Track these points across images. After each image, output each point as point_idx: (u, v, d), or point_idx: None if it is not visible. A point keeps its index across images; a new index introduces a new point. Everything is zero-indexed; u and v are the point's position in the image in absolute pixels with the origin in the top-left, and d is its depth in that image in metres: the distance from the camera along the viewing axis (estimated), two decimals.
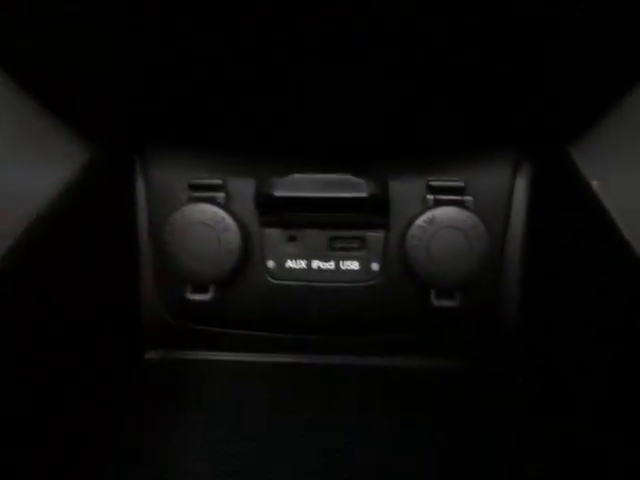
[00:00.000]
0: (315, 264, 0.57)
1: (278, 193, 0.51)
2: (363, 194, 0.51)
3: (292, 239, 0.57)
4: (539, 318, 0.55)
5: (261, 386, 0.56)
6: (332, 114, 0.50)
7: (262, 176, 0.53)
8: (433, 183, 0.55)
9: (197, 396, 0.55)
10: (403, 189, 0.56)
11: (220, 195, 0.56)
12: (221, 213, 0.55)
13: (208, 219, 0.54)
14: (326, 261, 0.57)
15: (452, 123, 0.54)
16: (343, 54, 0.41)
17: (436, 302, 0.54)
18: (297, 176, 0.51)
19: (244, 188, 0.56)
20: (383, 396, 0.55)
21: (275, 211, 0.54)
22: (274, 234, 0.57)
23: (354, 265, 0.57)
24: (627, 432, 0.40)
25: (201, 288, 0.54)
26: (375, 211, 0.54)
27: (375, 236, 0.57)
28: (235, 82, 0.46)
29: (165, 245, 0.55)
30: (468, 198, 0.55)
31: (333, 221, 0.55)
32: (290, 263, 0.57)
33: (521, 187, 0.56)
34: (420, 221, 0.54)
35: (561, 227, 0.49)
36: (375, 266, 0.57)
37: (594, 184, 0.43)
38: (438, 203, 0.55)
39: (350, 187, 0.51)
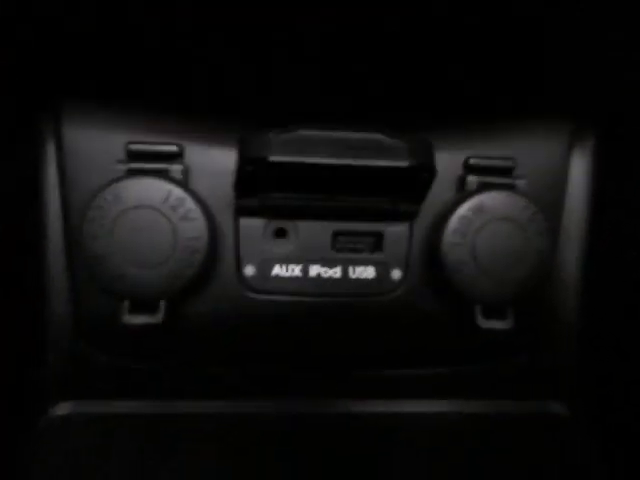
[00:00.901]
0: (314, 271, 0.40)
1: (275, 157, 0.33)
2: (403, 163, 0.34)
3: (281, 234, 0.40)
4: (607, 343, 0.41)
5: (231, 455, 0.38)
6: (348, 51, 0.34)
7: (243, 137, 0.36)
8: (473, 161, 0.40)
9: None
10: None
11: (176, 167, 0.37)
12: (178, 193, 0.36)
13: (157, 202, 0.36)
14: (330, 266, 0.40)
15: (496, 84, 0.39)
16: None
17: (483, 323, 0.39)
18: (305, 132, 0.34)
19: (211, 157, 0.39)
20: (413, 461, 0.38)
21: (266, 189, 0.37)
22: (255, 226, 0.39)
23: (368, 272, 0.40)
24: None
25: (145, 307, 0.36)
26: (412, 192, 0.38)
27: (397, 231, 0.41)
28: None
29: (88, 241, 0.35)
30: (520, 181, 0.40)
31: (340, 208, 0.38)
32: (278, 269, 0.39)
33: (580, 166, 0.42)
34: (463, 210, 0.39)
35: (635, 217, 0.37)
36: (397, 273, 0.41)
37: None
38: (482, 187, 0.39)
39: (384, 152, 0.34)
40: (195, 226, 0.37)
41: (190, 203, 0.37)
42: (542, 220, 0.40)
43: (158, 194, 0.36)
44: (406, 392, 0.44)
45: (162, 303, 0.37)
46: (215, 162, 0.39)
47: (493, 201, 0.39)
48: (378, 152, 0.34)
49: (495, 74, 0.40)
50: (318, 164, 0.33)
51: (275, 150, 0.33)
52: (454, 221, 0.39)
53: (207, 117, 0.39)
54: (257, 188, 0.37)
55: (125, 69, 0.37)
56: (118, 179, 0.36)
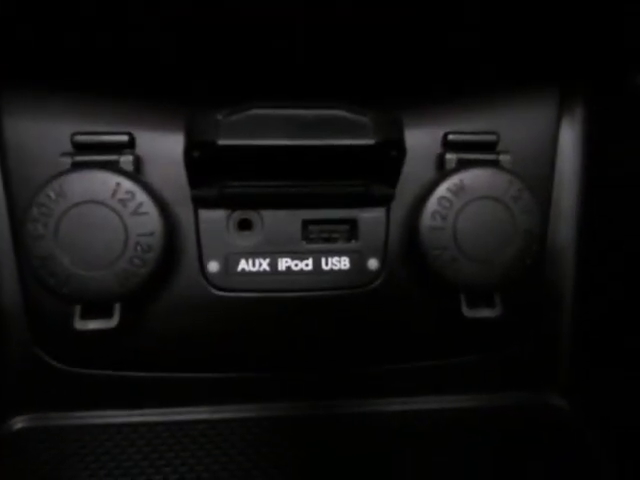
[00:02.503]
0: (283, 263, 0.37)
1: (224, 140, 0.30)
2: (369, 141, 0.31)
3: (245, 225, 0.37)
4: (604, 330, 0.38)
5: (193, 463, 0.35)
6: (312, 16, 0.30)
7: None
8: (453, 136, 0.37)
9: None
10: (408, 143, 0.36)
11: (126, 158, 0.34)
12: (128, 185, 0.33)
13: (105, 196, 0.33)
14: (300, 259, 0.37)
15: (476, 51, 0.36)
16: None
17: (468, 312, 0.35)
18: (258, 111, 0.30)
19: (165, 145, 0.35)
20: (396, 462, 0.35)
21: (217, 177, 0.33)
22: (217, 219, 0.36)
23: (343, 263, 0.37)
24: None
25: (99, 310, 0.32)
26: (383, 173, 0.34)
27: (372, 217, 0.37)
28: None
29: (32, 242, 0.32)
30: (504, 157, 0.37)
31: (308, 194, 0.35)
32: (244, 264, 0.36)
33: (570, 138, 0.39)
34: (442, 191, 0.36)
35: (631, 187, 0.36)
36: (374, 263, 0.37)
37: None
38: (462, 164, 0.36)
39: (347, 129, 0.31)
40: (148, 221, 0.34)
41: (141, 196, 0.34)
42: (529, 197, 0.36)
43: (105, 188, 0.33)
44: (390, 389, 0.41)
45: (116, 306, 0.34)
46: (170, 151, 0.36)
47: (474, 179, 0.36)
48: (339, 130, 0.31)
49: (474, 40, 0.36)
50: (272, 146, 0.30)
51: (224, 133, 0.30)
52: (433, 203, 0.36)
53: (157, 102, 0.36)
54: (212, 176, 0.34)
55: (66, 56, 0.34)
56: (61, 173, 0.33)
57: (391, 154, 0.32)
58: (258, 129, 0.30)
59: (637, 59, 0.37)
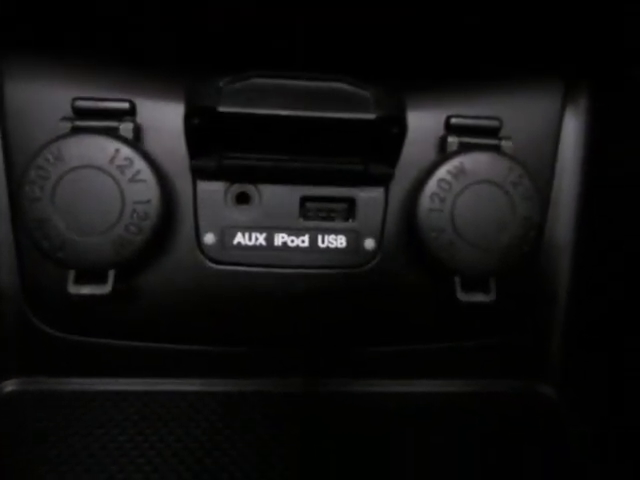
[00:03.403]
0: (279, 239, 0.37)
1: (225, 107, 0.30)
2: (369, 115, 0.31)
3: (243, 199, 0.37)
4: (599, 320, 0.38)
5: (183, 435, 0.35)
6: None
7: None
8: (455, 120, 0.36)
9: (75, 456, 0.33)
10: (411, 125, 0.36)
11: (126, 126, 0.34)
12: (127, 152, 0.33)
13: (103, 161, 0.33)
14: (297, 235, 0.37)
15: (481, 36, 0.36)
16: None
17: (463, 296, 0.35)
18: (260, 80, 0.30)
19: (166, 115, 0.35)
20: (391, 445, 0.36)
21: (217, 146, 0.33)
22: (215, 191, 0.36)
23: (339, 241, 0.37)
24: None
25: (93, 277, 0.32)
26: (383, 151, 0.34)
27: (370, 197, 0.37)
28: None
29: (29, 204, 0.32)
30: (506, 143, 0.36)
31: (308, 170, 0.35)
32: (240, 238, 0.36)
33: (573, 127, 0.38)
34: (442, 173, 0.35)
35: (634, 179, 0.36)
36: (370, 243, 0.37)
37: None
38: (464, 148, 0.36)
39: (348, 103, 0.31)
40: (145, 189, 0.33)
41: (140, 163, 0.33)
42: (529, 184, 0.36)
43: (104, 153, 0.33)
44: (381, 371, 0.41)
45: (110, 273, 0.34)
46: (171, 121, 0.36)
47: (475, 163, 0.36)
48: (341, 103, 0.31)
49: (480, 25, 0.36)
50: (272, 115, 0.30)
51: (225, 100, 0.30)
52: (432, 184, 0.36)
53: (160, 71, 0.36)
54: (211, 145, 0.33)
55: (69, 19, 0.34)
56: (60, 137, 0.33)
57: (392, 131, 0.32)
58: (259, 98, 0.30)
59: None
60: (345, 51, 0.34)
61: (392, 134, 0.32)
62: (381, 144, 0.33)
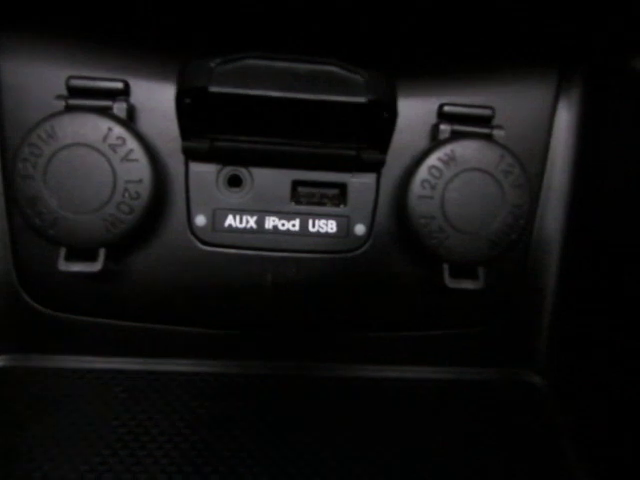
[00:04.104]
0: (270, 222, 0.37)
1: (216, 87, 0.30)
2: (360, 99, 0.31)
3: (235, 182, 0.37)
4: (586, 308, 0.38)
5: (172, 411, 0.35)
6: None
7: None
8: (448, 108, 0.37)
9: (62, 432, 0.33)
10: (403, 112, 0.36)
11: (120, 105, 0.34)
12: (119, 131, 0.33)
13: (96, 140, 0.33)
14: (288, 219, 0.37)
15: (476, 24, 0.36)
16: None
17: (451, 283, 0.36)
18: (251, 61, 0.30)
19: (160, 96, 0.35)
20: (375, 431, 0.36)
21: (208, 128, 0.33)
22: (207, 172, 0.36)
23: (330, 226, 0.37)
24: None
25: (84, 254, 0.33)
26: (374, 136, 0.34)
27: (362, 183, 0.38)
28: None
29: (21, 181, 0.33)
30: (498, 132, 0.36)
31: (299, 154, 0.35)
32: (231, 220, 0.37)
33: (566, 118, 0.38)
34: (433, 160, 0.36)
35: (624, 173, 0.36)
36: (360, 229, 0.38)
37: None
38: (456, 135, 0.36)
39: (339, 86, 0.31)
40: (137, 168, 0.34)
41: (132, 143, 0.34)
42: (520, 172, 0.36)
43: (97, 131, 0.33)
44: (369, 357, 0.41)
45: (101, 251, 0.34)
46: (165, 102, 0.36)
47: (466, 150, 0.36)
48: (332, 86, 0.31)
49: (474, 12, 0.36)
50: (263, 97, 0.30)
51: (216, 80, 0.30)
52: (423, 171, 0.36)
53: (155, 52, 0.36)
54: (203, 126, 0.34)
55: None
56: (54, 115, 0.33)
57: (382, 115, 0.32)
58: (250, 79, 0.30)
59: (637, 43, 0.36)
60: (338, 35, 0.34)
61: (383, 119, 0.33)
62: (372, 129, 0.34)
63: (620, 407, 0.34)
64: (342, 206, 0.38)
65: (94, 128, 0.33)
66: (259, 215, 0.37)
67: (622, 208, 0.37)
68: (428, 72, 0.38)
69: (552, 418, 0.39)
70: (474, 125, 0.37)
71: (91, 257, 0.34)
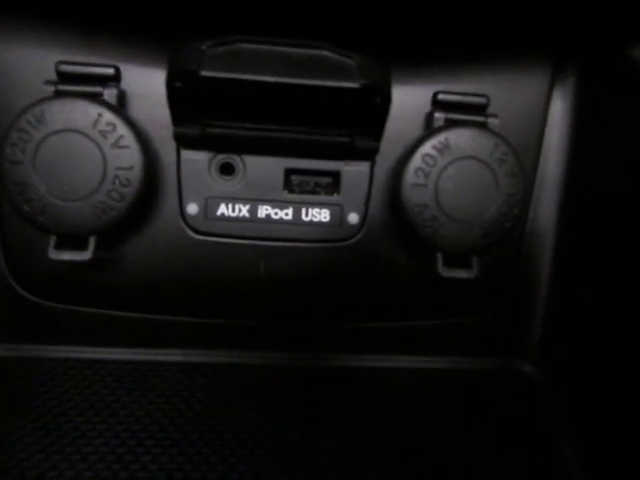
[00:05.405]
0: (263, 211, 0.37)
1: (207, 71, 0.30)
2: (353, 84, 0.30)
3: (227, 170, 0.36)
4: (580, 298, 0.38)
5: (164, 402, 0.35)
6: None
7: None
8: (443, 96, 0.36)
9: (53, 422, 0.33)
10: (398, 100, 0.36)
11: (110, 91, 0.33)
12: (110, 117, 0.33)
13: (85, 126, 0.32)
14: (281, 207, 0.37)
15: (471, 10, 0.36)
16: None
17: (444, 272, 0.35)
18: (243, 45, 0.30)
19: (151, 83, 0.35)
20: (368, 420, 0.36)
21: (200, 113, 0.33)
22: (199, 160, 0.36)
23: (323, 215, 0.37)
24: None
25: (74, 242, 0.32)
26: (367, 123, 0.34)
27: (355, 171, 0.37)
28: None
29: (9, 167, 0.32)
30: (493, 120, 0.36)
31: (292, 141, 0.35)
32: (224, 209, 0.36)
33: (561, 107, 0.38)
34: (427, 148, 0.35)
35: (618, 163, 0.36)
36: (354, 217, 0.37)
37: None
38: (451, 124, 0.36)
39: (332, 71, 0.31)
40: (128, 155, 0.33)
41: (123, 129, 0.33)
42: (514, 161, 0.36)
43: (87, 117, 0.33)
44: (362, 346, 0.41)
45: (91, 239, 0.34)
46: (156, 89, 0.35)
47: (460, 138, 0.36)
48: (325, 71, 0.30)
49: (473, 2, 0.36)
50: (255, 81, 0.30)
51: (207, 64, 0.30)
52: (416, 159, 0.36)
53: (146, 38, 0.35)
54: (194, 111, 0.33)
55: None
56: (43, 100, 0.33)
57: (375, 101, 0.32)
58: (242, 63, 0.30)
59: (635, 32, 0.36)
60: (332, 20, 0.34)
61: (376, 104, 0.32)
62: (366, 114, 0.33)
63: (613, 397, 0.34)
64: (335, 195, 0.38)
65: (84, 114, 0.33)
66: (252, 204, 0.37)
67: (616, 197, 0.37)
68: (423, 60, 0.38)
69: (545, 408, 0.39)
70: (468, 113, 0.37)
71: (82, 245, 0.33)
